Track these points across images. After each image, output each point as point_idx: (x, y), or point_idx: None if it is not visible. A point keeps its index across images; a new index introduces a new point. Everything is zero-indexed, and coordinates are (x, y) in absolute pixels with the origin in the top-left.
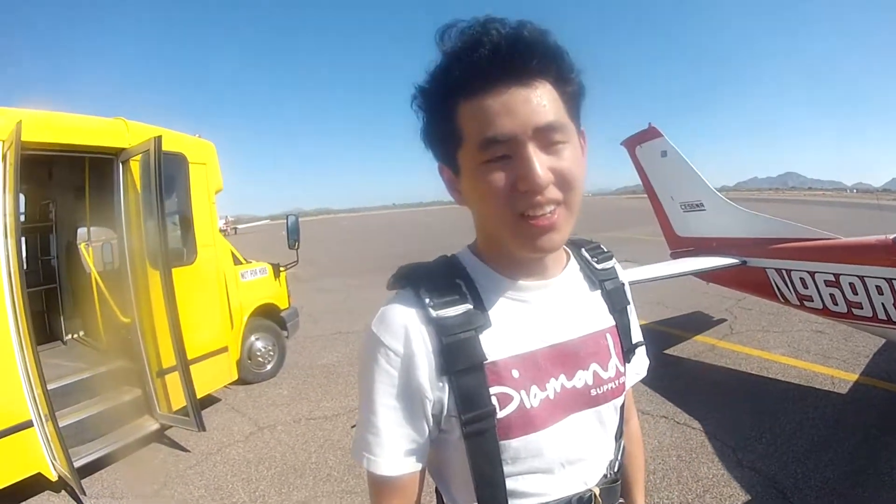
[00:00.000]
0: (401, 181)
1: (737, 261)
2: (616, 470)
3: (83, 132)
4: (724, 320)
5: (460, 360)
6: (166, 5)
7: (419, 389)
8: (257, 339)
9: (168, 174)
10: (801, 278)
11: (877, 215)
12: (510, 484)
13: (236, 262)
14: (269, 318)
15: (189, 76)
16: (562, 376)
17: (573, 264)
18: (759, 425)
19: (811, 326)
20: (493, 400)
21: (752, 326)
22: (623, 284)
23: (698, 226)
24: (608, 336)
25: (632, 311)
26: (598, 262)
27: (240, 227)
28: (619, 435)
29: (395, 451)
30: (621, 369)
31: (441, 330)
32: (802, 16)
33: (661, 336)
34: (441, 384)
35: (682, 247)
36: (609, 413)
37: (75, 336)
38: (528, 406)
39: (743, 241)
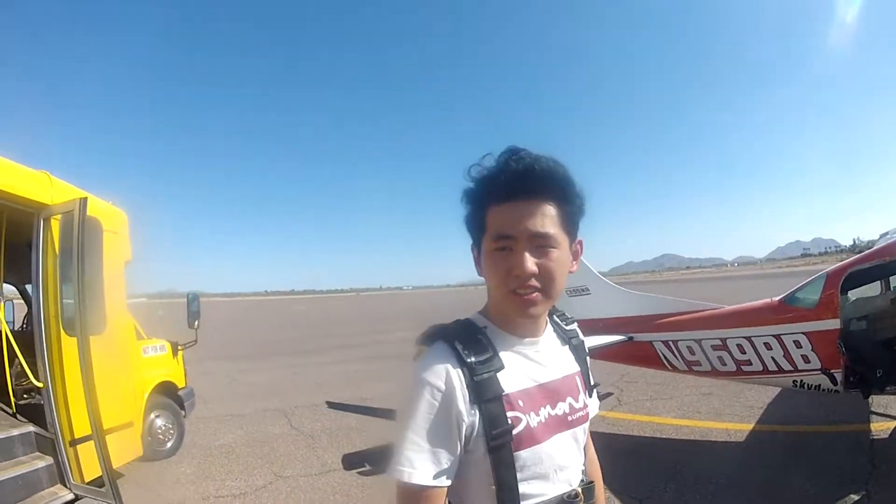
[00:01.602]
0: (275, 268)
1: (623, 337)
2: (589, 479)
3: (8, 178)
4: (610, 394)
5: (487, 393)
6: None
7: (458, 415)
8: (157, 416)
9: (86, 238)
10: (688, 346)
11: (759, 284)
12: (522, 488)
13: (138, 336)
14: (168, 396)
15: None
16: (548, 406)
17: (549, 328)
18: (661, 478)
19: (699, 390)
20: (510, 421)
21: (640, 396)
22: (583, 342)
23: (584, 309)
24: (577, 378)
25: (588, 360)
26: (566, 325)
27: None
28: (586, 454)
29: (432, 465)
30: (587, 402)
31: (472, 371)
32: (669, 91)
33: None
34: (473, 411)
35: None
36: (580, 434)
37: None
38: (532, 426)
39: (628, 319)
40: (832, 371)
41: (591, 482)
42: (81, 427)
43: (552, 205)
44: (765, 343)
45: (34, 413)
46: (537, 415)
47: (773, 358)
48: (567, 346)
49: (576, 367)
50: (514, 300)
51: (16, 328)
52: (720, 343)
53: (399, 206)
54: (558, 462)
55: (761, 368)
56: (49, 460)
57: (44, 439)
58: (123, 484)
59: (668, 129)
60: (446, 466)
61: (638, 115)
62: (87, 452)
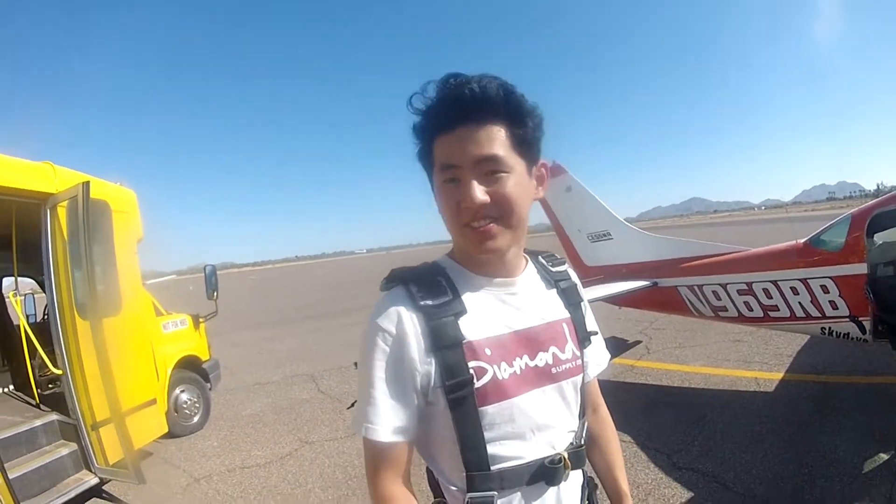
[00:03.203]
0: (300, 233)
1: (648, 283)
2: (581, 440)
3: (11, 173)
4: (639, 342)
5: (443, 339)
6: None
7: (411, 363)
8: (182, 391)
9: (93, 222)
10: (713, 291)
11: (786, 228)
12: (491, 449)
13: (157, 313)
14: (192, 370)
15: (82, 122)
16: (525, 356)
17: (531, 268)
18: (689, 430)
19: (728, 337)
20: (471, 371)
21: (669, 344)
22: (576, 284)
23: (607, 254)
24: (564, 325)
25: (586, 306)
26: (552, 266)
27: (145, 282)
28: (582, 414)
29: (392, 420)
30: (577, 353)
31: (427, 315)
32: (692, 38)
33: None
34: (429, 359)
35: (592, 276)
36: (570, 390)
37: (5, 390)
38: (500, 378)
39: (652, 263)
40: (861, 319)
41: (581, 446)
42: (102, 411)
43: (499, 126)
44: (791, 287)
45: (58, 402)
46: (510, 366)
47: (800, 303)
48: (554, 290)
49: (564, 314)
50: (469, 234)
51: (37, 320)
52: (746, 287)
53: None
54: (537, 421)
55: (789, 314)
56: (73, 446)
57: (67, 426)
58: (150, 462)
59: (697, 71)
60: (404, 422)
61: (668, 56)
62: (109, 435)
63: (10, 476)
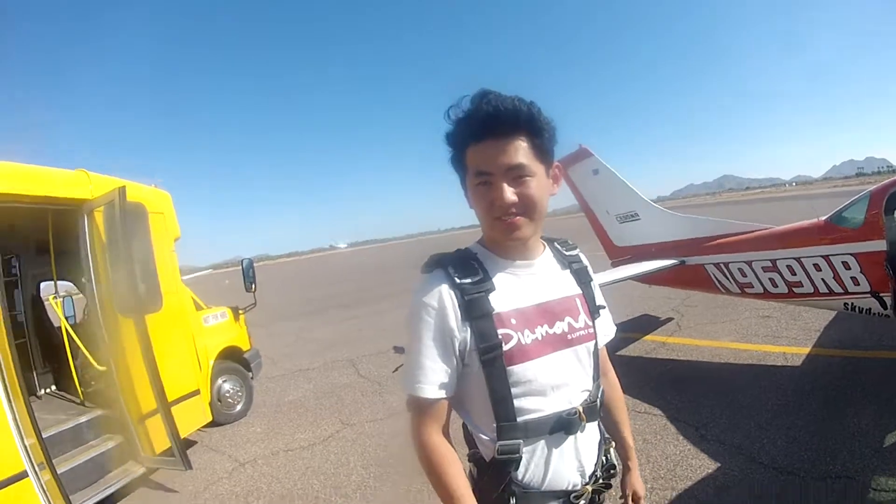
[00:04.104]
0: (336, 221)
1: (675, 261)
2: (596, 399)
3: (47, 183)
4: (671, 319)
5: (477, 311)
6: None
7: (451, 331)
8: (225, 381)
9: (130, 224)
10: (739, 269)
11: (815, 204)
12: (517, 403)
13: (197, 307)
14: (234, 361)
15: (114, 125)
16: (545, 325)
17: (548, 252)
18: (717, 404)
19: (758, 313)
20: (500, 337)
21: (699, 321)
22: (586, 266)
23: (635, 235)
24: (577, 299)
25: (595, 285)
26: (566, 251)
27: (183, 278)
28: (596, 377)
29: (436, 379)
30: (589, 322)
31: (463, 291)
32: (715, 18)
33: (610, 341)
34: (465, 327)
35: (621, 256)
36: (584, 354)
37: (48, 390)
38: (523, 343)
39: (679, 242)
40: (882, 294)
41: (595, 402)
42: (147, 403)
43: (522, 139)
44: (814, 264)
45: (102, 397)
46: (532, 332)
47: (823, 279)
48: (567, 270)
49: (576, 290)
50: (500, 226)
51: (77, 321)
52: (770, 264)
53: None
54: (555, 379)
55: (812, 290)
56: (119, 439)
57: (112, 420)
58: (196, 450)
59: (726, 50)
60: (447, 380)
61: (699, 32)
62: (155, 426)
63: (59, 471)
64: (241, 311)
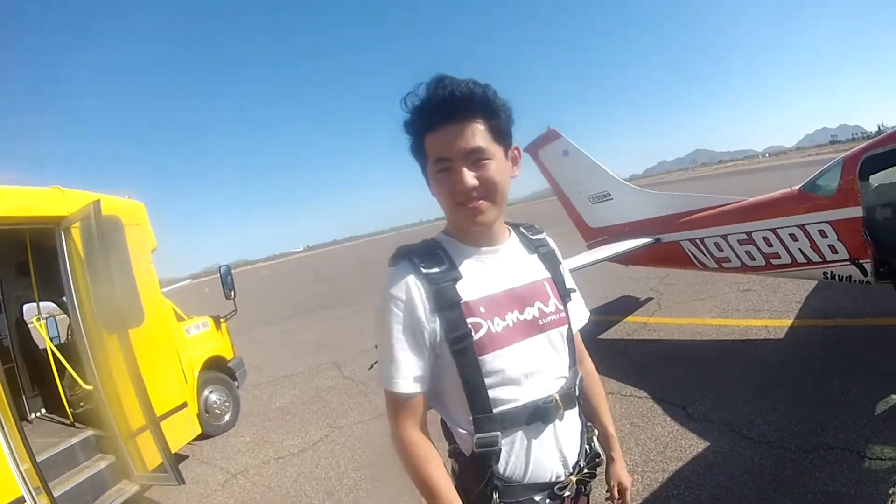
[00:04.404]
0: (311, 222)
1: (650, 239)
2: (573, 386)
3: (21, 202)
4: (650, 299)
5: (444, 301)
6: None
7: (420, 323)
8: (211, 391)
9: (107, 238)
10: (715, 243)
11: (789, 174)
12: (492, 393)
13: (178, 318)
14: (219, 370)
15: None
16: (515, 311)
17: (514, 237)
18: (702, 383)
19: (738, 287)
20: (469, 326)
21: (679, 299)
22: (554, 250)
23: (609, 215)
24: (546, 284)
25: (564, 268)
26: (532, 235)
27: (162, 290)
28: (573, 363)
29: (409, 373)
30: (560, 307)
31: (430, 281)
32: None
33: (592, 324)
34: (434, 318)
35: (596, 237)
36: (557, 339)
37: (38, 414)
38: (494, 331)
39: (653, 220)
40: (861, 261)
41: (572, 389)
42: (136, 420)
43: (479, 122)
44: (790, 234)
45: (91, 418)
46: (503, 319)
47: (800, 249)
48: (535, 255)
49: (545, 274)
50: (463, 211)
51: (61, 341)
52: (746, 237)
53: None
54: (529, 367)
55: (790, 261)
56: (111, 458)
57: (103, 439)
58: (188, 464)
59: (691, 21)
60: (420, 373)
61: (661, 7)
62: (146, 442)
63: (55, 494)
64: (222, 320)
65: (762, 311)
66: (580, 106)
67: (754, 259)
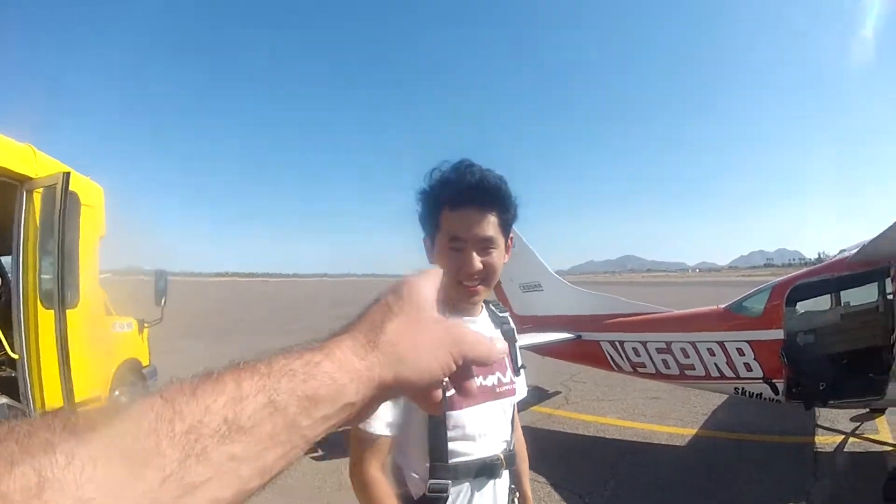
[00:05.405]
0: (236, 249)
1: (572, 335)
2: (512, 448)
3: None
4: (559, 392)
5: None
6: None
7: None
8: (120, 394)
9: (67, 212)
10: (633, 348)
11: (717, 291)
12: (451, 445)
13: (108, 312)
14: (133, 374)
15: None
16: (480, 377)
17: (485, 312)
18: (602, 475)
19: (646, 394)
20: (444, 383)
21: (587, 396)
22: (513, 328)
23: (536, 305)
24: (505, 358)
25: (518, 346)
26: (499, 312)
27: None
28: (513, 430)
29: (384, 416)
30: (514, 379)
31: None
32: (640, 93)
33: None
34: None
35: (521, 325)
36: (507, 406)
37: None
38: None
39: (579, 317)
40: (774, 381)
41: (513, 451)
42: (54, 399)
43: (494, 213)
44: (708, 349)
45: (7, 385)
46: None
47: (715, 364)
48: (499, 330)
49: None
50: (462, 290)
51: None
52: (665, 346)
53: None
54: (484, 427)
55: (704, 374)
56: None
57: (15, 410)
58: None
59: (638, 132)
60: (391, 420)
61: (607, 114)
62: None
63: None
64: (146, 325)
65: (668, 418)
66: (520, 186)
67: (669, 367)
